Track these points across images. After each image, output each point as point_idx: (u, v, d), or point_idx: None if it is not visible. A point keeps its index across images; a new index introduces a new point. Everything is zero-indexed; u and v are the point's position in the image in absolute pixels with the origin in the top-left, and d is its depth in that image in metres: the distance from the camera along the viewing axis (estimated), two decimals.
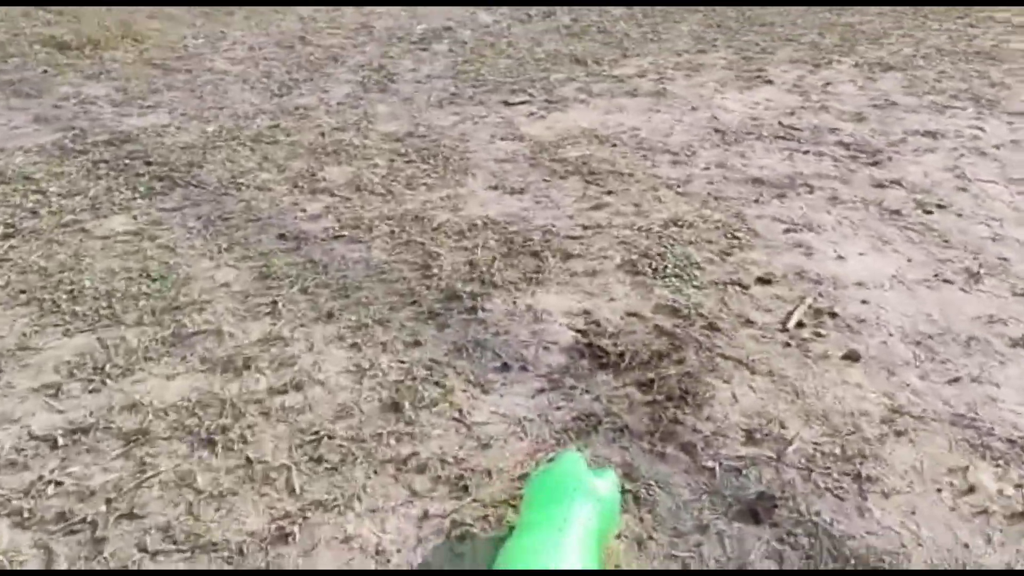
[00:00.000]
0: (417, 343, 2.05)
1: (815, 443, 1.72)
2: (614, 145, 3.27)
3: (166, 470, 1.67)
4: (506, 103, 3.84)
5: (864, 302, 2.19)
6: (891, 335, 2.05)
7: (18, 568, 1.46)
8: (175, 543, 1.51)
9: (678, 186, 2.89)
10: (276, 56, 4.74)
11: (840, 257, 2.42)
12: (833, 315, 2.14)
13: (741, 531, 1.52)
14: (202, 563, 1.44)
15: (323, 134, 3.48)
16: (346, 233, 2.61)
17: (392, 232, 2.60)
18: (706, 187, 2.88)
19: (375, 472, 1.66)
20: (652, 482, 1.62)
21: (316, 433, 1.76)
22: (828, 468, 1.64)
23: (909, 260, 2.36)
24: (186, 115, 3.76)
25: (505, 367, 1.98)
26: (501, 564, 1.27)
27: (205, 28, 5.41)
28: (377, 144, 3.36)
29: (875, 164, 3.04)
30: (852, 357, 1.98)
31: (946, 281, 2.25)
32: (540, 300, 2.23)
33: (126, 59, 4.69)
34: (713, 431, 1.74)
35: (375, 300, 2.22)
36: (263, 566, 1.44)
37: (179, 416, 1.81)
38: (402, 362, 1.97)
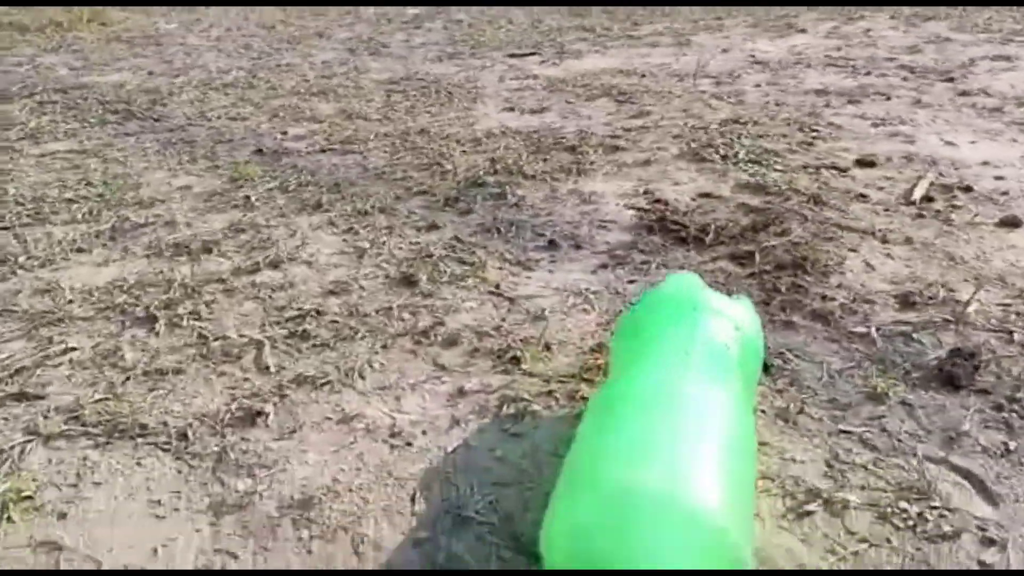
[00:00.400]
0: (434, 226, 1.56)
1: (1002, 304, 1.24)
2: (643, 76, 2.85)
3: (82, 348, 1.17)
4: (512, 55, 3.43)
5: (999, 178, 1.74)
6: None
7: None
8: (84, 425, 1.00)
9: (729, 97, 2.45)
10: (256, 34, 4.33)
11: (950, 143, 1.97)
12: (967, 189, 1.67)
13: (935, 399, 1.03)
14: (123, 450, 0.93)
15: (307, 80, 3.04)
16: (337, 147, 2.14)
17: (393, 144, 2.12)
18: (763, 98, 2.43)
19: (383, 346, 1.16)
20: (784, 351, 1.12)
21: (299, 310, 1.26)
22: None
23: None
24: (153, 73, 3.32)
25: (552, 244, 1.49)
26: (592, 430, 0.76)
27: (181, 16, 5.02)
28: (370, 87, 2.91)
29: (950, 80, 2.62)
30: (1012, 223, 1.51)
31: None
32: (585, 185, 1.76)
33: (91, 37, 4.27)
34: (851, 298, 1.26)
35: (376, 193, 1.73)
36: (216, 452, 0.93)
37: (109, 297, 1.31)
38: (414, 243, 1.49)
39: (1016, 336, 1.15)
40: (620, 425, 0.74)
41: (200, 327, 1.21)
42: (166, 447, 0.96)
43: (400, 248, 1.47)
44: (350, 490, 0.89)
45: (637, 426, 0.73)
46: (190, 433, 0.98)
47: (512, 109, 2.45)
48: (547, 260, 1.43)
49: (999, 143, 1.98)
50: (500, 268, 1.39)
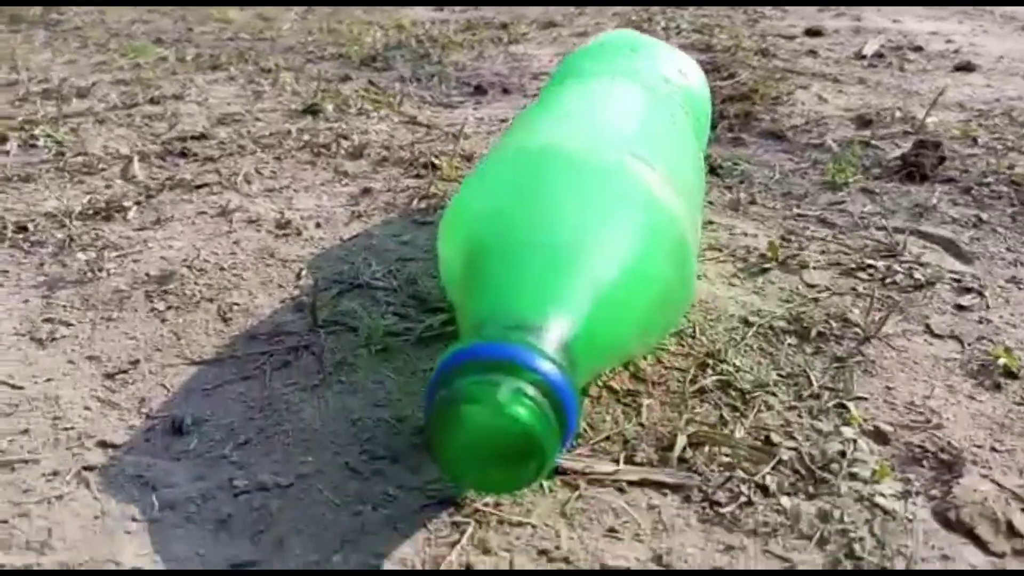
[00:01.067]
0: (347, 78, 1.41)
1: (961, 121, 1.14)
2: None
3: None
4: None
5: (949, 41, 1.66)
6: (1001, 57, 1.52)
7: None
8: None
9: None
10: None
11: (897, 21, 1.89)
12: (918, 48, 1.59)
13: (899, 188, 0.92)
14: None
15: None
16: (246, 36, 1.96)
17: (309, 31, 1.95)
18: None
19: (276, 158, 1.01)
20: (733, 160, 1.00)
21: (180, 133, 1.09)
22: (997, 133, 1.06)
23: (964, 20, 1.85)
24: None
25: (478, 89, 1.35)
26: (517, 146, 0.62)
27: None
28: None
29: None
30: (966, 67, 1.42)
31: None
32: (518, 50, 1.63)
33: None
34: (804, 120, 1.15)
35: (284, 57, 1.57)
36: (60, 240, 0.76)
37: None
38: (316, 78, 1.33)
39: (979, 140, 1.06)
40: (536, 118, 0.61)
41: (59, 148, 1.04)
42: None
43: (304, 87, 1.32)
44: (221, 268, 0.74)
45: (557, 113, 0.60)
46: (31, 226, 0.82)
47: (442, 8, 2.31)
48: (472, 103, 1.29)
49: (946, 22, 1.91)
50: (419, 108, 1.25)
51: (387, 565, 0.42)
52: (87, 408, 0.55)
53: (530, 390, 0.37)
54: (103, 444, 0.51)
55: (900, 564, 0.42)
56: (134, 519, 0.45)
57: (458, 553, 0.43)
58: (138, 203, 0.87)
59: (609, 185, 0.49)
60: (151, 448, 0.51)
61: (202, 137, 1.07)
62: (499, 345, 0.38)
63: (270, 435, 0.52)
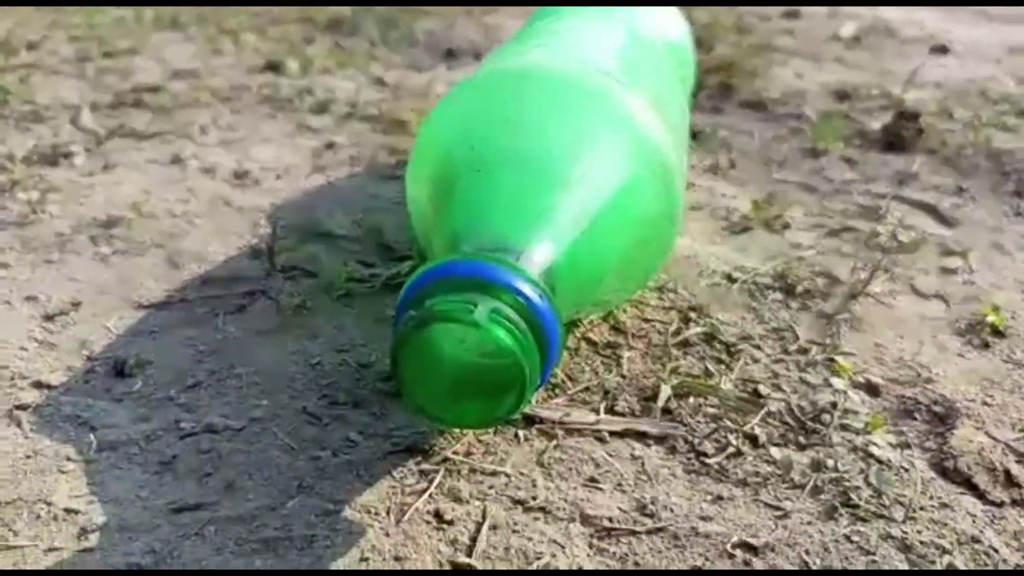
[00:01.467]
0: (310, 40, 1.36)
1: (937, 99, 1.13)
2: None
3: None
4: None
5: (923, 27, 1.66)
6: (975, 42, 1.52)
7: None
8: None
9: None
10: None
11: (874, 5, 1.89)
12: (893, 32, 1.59)
13: (880, 157, 0.90)
14: None
15: None
16: None
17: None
18: None
19: (235, 112, 0.96)
20: (713, 127, 0.98)
21: (135, 86, 1.04)
22: (973, 110, 1.05)
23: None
24: None
25: (450, 53, 1.31)
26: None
27: None
28: None
29: None
30: (941, 50, 1.42)
31: None
32: (491, 20, 1.59)
33: None
34: (782, 93, 1.13)
35: (235, 15, 1.51)
36: (4, 184, 0.71)
37: None
38: (279, 39, 1.28)
39: (956, 116, 1.05)
40: (509, 48, 0.57)
41: (5, 95, 0.97)
42: None
43: (267, 45, 1.26)
44: (172, 215, 0.69)
45: (534, 42, 0.56)
46: None
47: None
48: (444, 66, 1.25)
49: (920, 11, 1.91)
50: (387, 69, 1.21)
51: (347, 512, 0.38)
52: (23, 348, 0.51)
53: (510, 312, 0.34)
54: (38, 384, 0.47)
55: (899, 513, 0.39)
56: (69, 459, 0.41)
57: (426, 501, 0.39)
58: (87, 150, 0.82)
59: (593, 106, 0.46)
60: (91, 389, 0.47)
61: (157, 89, 1.01)
62: (476, 263, 0.35)
63: (222, 378, 0.48)
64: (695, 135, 0.95)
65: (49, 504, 0.38)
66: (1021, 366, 0.54)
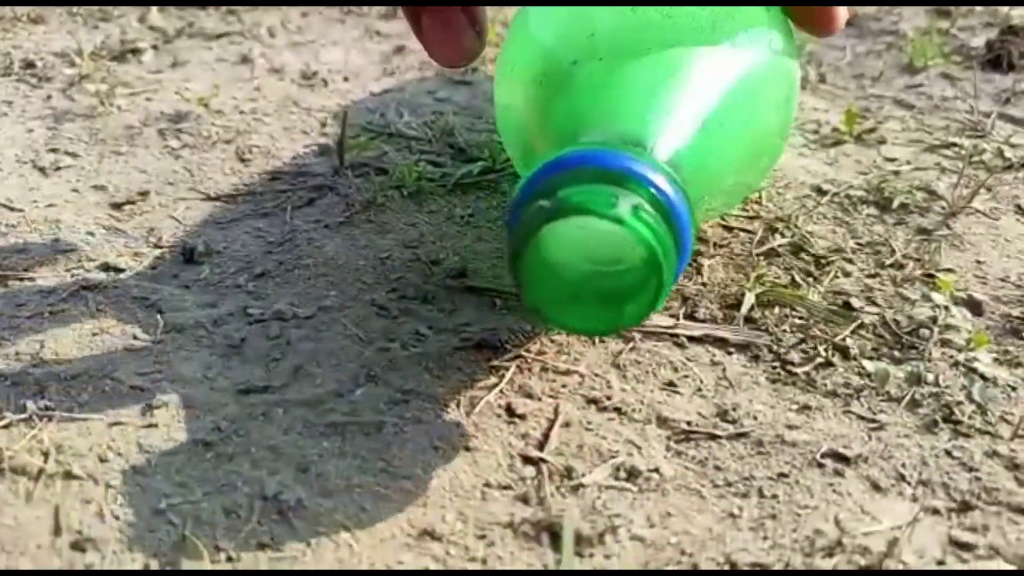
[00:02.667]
0: None
1: None
2: None
3: None
4: None
5: None
6: None
7: None
8: None
9: None
10: None
11: None
12: None
13: (982, 75, 0.84)
14: None
15: None
16: None
17: None
18: None
19: (304, 15, 0.94)
20: (805, 42, 0.92)
21: None
22: None
23: None
24: None
25: None
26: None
27: None
28: None
29: None
30: None
31: None
32: None
33: None
34: (877, 7, 1.06)
35: None
36: (69, 76, 0.70)
37: None
38: None
39: None
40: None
41: None
42: (4, 75, 0.74)
43: None
44: (241, 112, 0.68)
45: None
46: (39, 63, 0.76)
47: None
48: None
49: None
50: None
51: (416, 402, 0.37)
52: (90, 234, 0.50)
53: (650, 209, 0.31)
54: (106, 267, 0.47)
55: (1006, 431, 0.36)
56: (136, 338, 0.40)
57: (496, 395, 0.38)
58: (154, 47, 0.81)
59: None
60: (158, 275, 0.46)
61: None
62: (616, 153, 0.32)
63: (290, 268, 0.47)
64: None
65: (115, 380, 0.38)
66: None
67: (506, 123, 0.47)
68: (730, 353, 0.42)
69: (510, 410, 0.37)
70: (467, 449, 0.34)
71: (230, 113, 0.67)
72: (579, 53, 0.40)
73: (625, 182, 0.31)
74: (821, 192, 0.58)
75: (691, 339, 0.43)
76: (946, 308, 0.45)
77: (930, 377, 0.39)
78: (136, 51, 0.79)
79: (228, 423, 0.35)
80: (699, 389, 0.39)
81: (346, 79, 0.77)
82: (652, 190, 0.31)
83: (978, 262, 0.51)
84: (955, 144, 0.66)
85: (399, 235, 0.50)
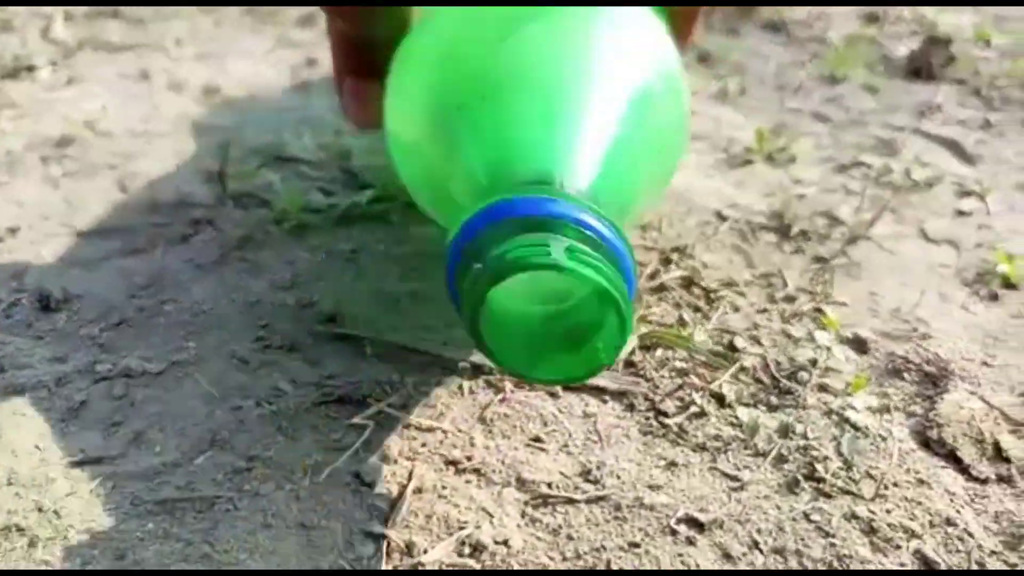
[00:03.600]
0: None
1: (976, 22, 1.05)
2: None
3: None
4: None
5: None
6: None
7: None
8: None
9: None
10: None
11: None
12: None
13: (903, 85, 0.83)
14: None
15: None
16: None
17: None
18: None
19: (215, 23, 0.91)
20: (731, 49, 0.91)
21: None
22: (1014, 36, 0.97)
23: None
24: None
25: None
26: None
27: None
28: None
29: None
30: None
31: None
32: None
33: None
34: (808, 13, 1.05)
35: None
36: None
37: None
38: None
39: (993, 42, 0.96)
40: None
41: None
42: None
43: None
44: (133, 134, 0.65)
45: None
46: None
47: None
48: None
49: None
50: None
51: (259, 471, 0.35)
52: None
53: (581, 245, 0.30)
54: None
55: (868, 488, 0.35)
56: None
57: (349, 459, 0.36)
58: (53, 63, 0.78)
59: (593, 15, 0.40)
60: (13, 325, 0.44)
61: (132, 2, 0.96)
62: (532, 200, 0.30)
63: (151, 315, 0.45)
64: (704, 57, 0.89)
65: None
66: None
67: (404, 156, 0.45)
68: (605, 402, 0.41)
69: (359, 477, 0.35)
70: (303, 527, 0.33)
71: (120, 136, 0.65)
72: (463, 96, 0.38)
73: (551, 227, 0.30)
74: (722, 218, 0.57)
75: (566, 388, 0.41)
76: (828, 349, 0.44)
77: (799, 428, 0.38)
78: (31, 68, 0.76)
79: (51, 502, 0.33)
80: (566, 445, 0.38)
81: (251, 94, 0.74)
82: (578, 228, 0.30)
83: (872, 293, 0.50)
84: (865, 163, 0.66)
85: (273, 275, 0.48)
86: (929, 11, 1.06)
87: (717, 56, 0.88)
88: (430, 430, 0.38)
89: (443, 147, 0.38)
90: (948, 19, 1.03)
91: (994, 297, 0.51)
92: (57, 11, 0.90)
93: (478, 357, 0.42)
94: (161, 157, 0.61)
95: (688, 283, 0.50)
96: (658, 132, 0.41)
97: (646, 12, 0.44)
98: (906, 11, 1.07)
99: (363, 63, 0.42)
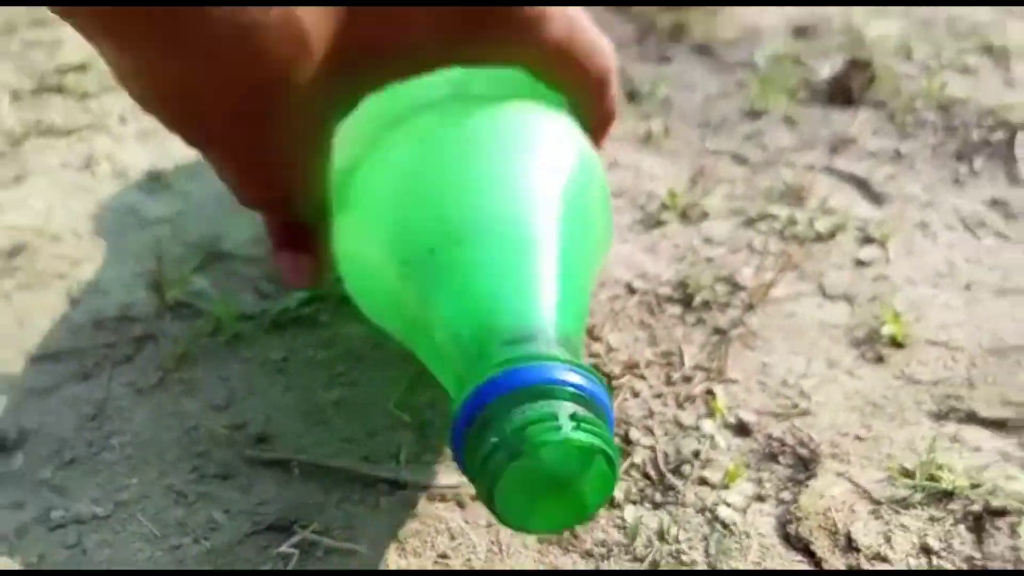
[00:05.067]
0: None
1: (902, 29, 1.08)
2: None
3: None
4: None
5: None
6: None
7: None
8: None
9: None
10: None
11: None
12: None
13: (822, 113, 0.87)
14: None
15: None
16: None
17: None
18: None
19: None
20: (659, 82, 0.94)
21: (59, 66, 1.02)
22: (936, 45, 1.00)
23: None
24: None
25: None
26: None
27: None
28: None
29: None
30: None
31: None
32: None
33: None
34: (739, 32, 1.08)
35: None
36: None
37: None
38: None
39: (915, 55, 0.99)
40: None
41: None
42: None
43: None
44: (78, 236, 0.69)
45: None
46: None
47: None
48: None
49: None
50: None
51: None
52: None
53: (580, 409, 0.32)
54: None
55: None
56: None
57: None
58: (1, 155, 0.81)
59: (545, 130, 0.42)
60: None
61: (81, 68, 0.99)
62: (538, 368, 0.32)
63: (98, 451, 0.49)
64: (633, 96, 0.92)
65: None
66: (911, 381, 0.53)
67: (364, 296, 0.44)
68: None
69: None
70: None
71: (67, 238, 0.68)
72: (433, 239, 0.38)
73: (553, 394, 0.32)
74: (632, 291, 0.61)
75: (473, 497, 0.46)
76: (712, 438, 0.48)
77: (674, 531, 0.43)
78: None
79: None
80: (469, 559, 0.43)
81: (192, 177, 0.77)
82: (575, 391, 0.33)
83: (764, 364, 0.55)
84: (772, 215, 0.69)
85: (209, 395, 0.52)
86: (860, 19, 1.09)
87: (645, 93, 0.91)
88: (349, 553, 0.43)
89: (415, 290, 0.38)
90: (877, 26, 1.05)
91: (879, 359, 0.55)
92: (3, 93, 0.92)
93: (394, 472, 0.47)
94: (106, 261, 0.65)
95: (593, 369, 0.54)
96: (601, 244, 0.44)
97: (562, 117, 0.45)
98: (836, 20, 1.09)
99: (298, 239, 0.45)
